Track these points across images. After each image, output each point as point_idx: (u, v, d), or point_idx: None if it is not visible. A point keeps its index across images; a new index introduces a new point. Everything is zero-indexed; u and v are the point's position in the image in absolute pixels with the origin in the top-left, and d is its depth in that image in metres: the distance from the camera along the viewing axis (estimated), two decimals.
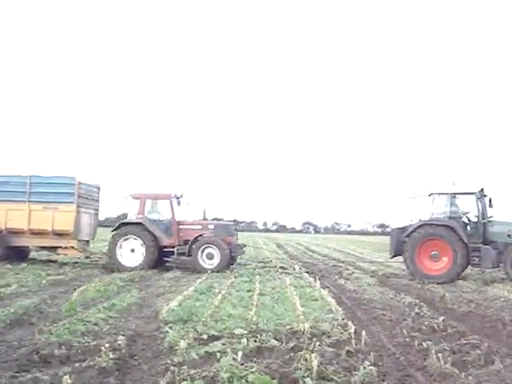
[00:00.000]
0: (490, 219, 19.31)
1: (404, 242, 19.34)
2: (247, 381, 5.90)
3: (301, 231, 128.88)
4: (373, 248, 43.76)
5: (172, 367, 6.50)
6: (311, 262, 28.07)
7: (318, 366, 6.40)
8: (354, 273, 20.84)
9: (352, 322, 9.64)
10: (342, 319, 10.03)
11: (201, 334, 8.46)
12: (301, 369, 6.42)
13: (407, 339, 8.79)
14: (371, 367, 6.62)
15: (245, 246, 24.52)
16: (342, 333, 8.79)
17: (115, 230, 21.19)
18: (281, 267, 22.40)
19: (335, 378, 6.29)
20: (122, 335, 8.18)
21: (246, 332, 8.67)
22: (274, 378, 6.04)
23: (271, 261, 26.65)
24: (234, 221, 23.80)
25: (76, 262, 22.56)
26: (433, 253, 18.88)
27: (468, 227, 19.51)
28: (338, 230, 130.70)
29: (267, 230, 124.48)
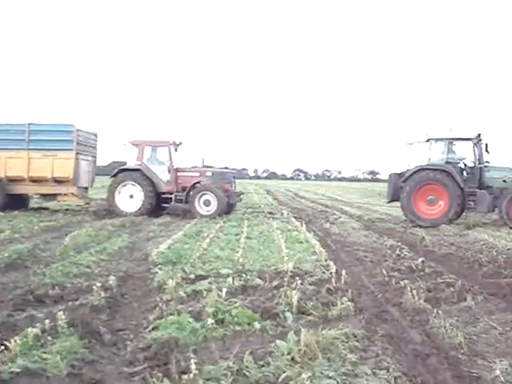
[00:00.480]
0: (486, 165, 19.68)
1: (401, 187, 19.73)
2: (231, 315, 6.29)
3: (291, 178, 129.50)
4: (361, 194, 44.29)
5: (160, 304, 6.89)
6: (299, 207, 28.47)
7: (298, 301, 6.80)
8: (340, 217, 21.26)
9: (334, 262, 10.06)
10: (325, 260, 10.43)
11: (188, 274, 8.86)
12: (282, 304, 6.82)
13: (386, 278, 9.20)
14: (349, 303, 7.01)
15: (242, 193, 24.73)
16: (323, 272, 9.21)
17: (114, 176, 21.40)
18: (269, 212, 22.83)
19: (314, 312, 6.70)
20: (113, 276, 8.51)
21: (231, 272, 9.06)
22: (256, 312, 6.44)
23: (260, 206, 27.07)
24: (225, 168, 23.85)
25: (67, 209, 22.87)
26: (429, 197, 19.35)
27: (464, 172, 19.90)
28: (328, 176, 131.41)
29: (258, 177, 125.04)
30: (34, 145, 21.33)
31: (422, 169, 19.51)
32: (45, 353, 5.02)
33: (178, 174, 21.48)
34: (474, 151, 19.78)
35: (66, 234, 13.87)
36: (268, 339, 5.72)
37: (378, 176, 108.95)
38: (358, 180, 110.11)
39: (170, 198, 21.23)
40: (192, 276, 8.74)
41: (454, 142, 20.12)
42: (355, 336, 5.81)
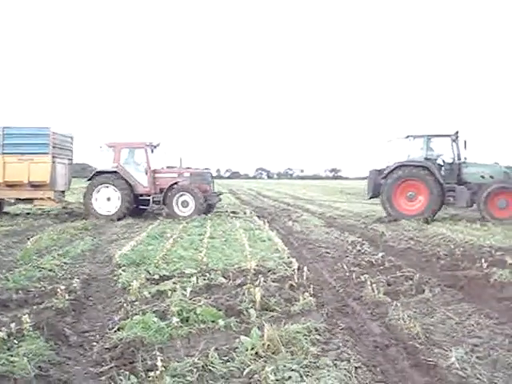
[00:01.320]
0: (464, 161, 19.89)
1: (381, 183, 19.96)
2: (196, 313, 6.41)
3: (254, 177, 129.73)
4: (323, 192, 44.70)
5: (125, 305, 6.97)
6: (262, 206, 28.64)
7: (262, 298, 6.95)
8: (302, 215, 21.49)
9: (297, 260, 10.26)
10: (288, 258, 10.63)
11: (152, 275, 8.95)
12: (245, 301, 6.97)
13: (347, 273, 9.43)
14: (310, 298, 7.19)
15: (221, 193, 24.46)
16: (286, 269, 9.38)
17: (90, 179, 21.11)
18: (232, 212, 22.90)
19: (277, 308, 6.86)
20: (77, 279, 8.54)
21: (195, 271, 9.17)
22: (220, 310, 6.57)
23: (223, 206, 27.15)
24: (205, 168, 23.61)
25: (28, 213, 22.58)
26: (409, 193, 19.60)
27: (443, 168, 20.16)
28: (290, 175, 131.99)
29: (220, 177, 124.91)
30: (8, 149, 20.78)
31: (401, 165, 19.72)
32: (11, 356, 5.05)
33: (156, 175, 21.25)
34: (453, 148, 20.05)
35: (28, 238, 13.76)
36: (232, 335, 5.86)
37: (339, 173, 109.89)
38: (320, 178, 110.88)
39: (148, 200, 21.06)
40: (156, 276, 8.83)
41: (433, 139, 20.37)
42: (317, 330, 5.96)
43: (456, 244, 12.82)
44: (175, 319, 6.02)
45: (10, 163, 20.73)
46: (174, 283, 8.19)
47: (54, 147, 21.18)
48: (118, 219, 19.90)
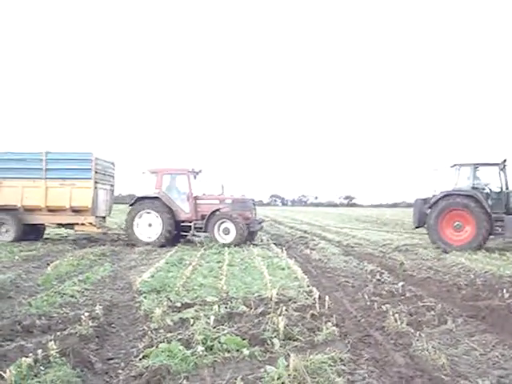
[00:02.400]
0: None
1: (426, 213, 19.52)
2: (220, 342, 6.43)
3: (268, 204, 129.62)
4: (339, 219, 44.60)
5: (149, 332, 7.01)
6: (278, 233, 28.56)
7: (285, 327, 6.97)
8: (319, 243, 21.40)
9: (317, 288, 10.25)
10: (308, 286, 10.62)
11: (174, 303, 8.97)
12: (269, 330, 6.98)
13: (368, 303, 9.40)
14: (333, 328, 7.21)
15: (263, 221, 24.03)
16: (307, 298, 9.38)
17: (132, 204, 21.09)
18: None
19: (300, 337, 6.87)
20: (100, 305, 8.59)
21: (217, 299, 9.20)
22: (244, 339, 6.59)
23: None
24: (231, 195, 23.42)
25: (47, 238, 22.71)
26: (456, 223, 19.04)
27: (491, 198, 19.52)
28: (305, 202, 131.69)
29: None
30: (51, 174, 20.84)
31: (448, 194, 19.28)
32: (39, 382, 5.12)
33: (197, 201, 21.11)
34: (500, 176, 19.54)
35: (48, 264, 13.86)
36: (257, 365, 5.87)
37: (354, 201, 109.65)
38: (335, 205, 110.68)
39: (190, 227, 20.88)
40: (178, 304, 8.85)
41: (480, 168, 19.85)
42: (342, 360, 5.97)
43: (476, 274, 12.75)
44: (200, 348, 6.05)
45: (53, 188, 20.78)
46: (196, 311, 8.22)
47: (96, 173, 21.14)
48: (160, 246, 19.77)
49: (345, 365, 5.85)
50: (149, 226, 20.56)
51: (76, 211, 21.06)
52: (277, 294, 9.40)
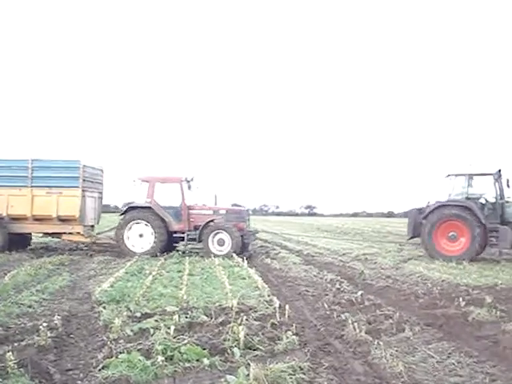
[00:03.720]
0: (507, 200, 19.26)
1: (421, 223, 19.49)
2: (180, 352, 6.42)
3: None
4: (300, 228, 44.82)
5: (108, 343, 6.95)
6: None
7: (245, 337, 6.99)
8: (280, 252, 21.48)
9: (277, 297, 10.30)
10: (268, 295, 10.68)
11: (134, 313, 8.92)
12: (229, 340, 6.99)
13: (327, 312, 9.50)
14: (293, 337, 7.27)
15: (257, 232, 23.46)
16: (267, 308, 9.42)
17: (123, 214, 20.59)
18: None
19: (260, 347, 6.90)
20: (58, 315, 8.47)
21: (177, 309, 9.15)
22: (204, 349, 6.59)
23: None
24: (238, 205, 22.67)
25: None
26: (450, 234, 18.97)
27: (486, 208, 19.42)
28: (265, 211, 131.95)
29: None
30: (37, 182, 20.34)
31: (442, 205, 19.30)
32: None
33: (191, 211, 20.53)
34: (495, 186, 19.36)
35: (5, 273, 13.59)
36: (218, 374, 5.88)
37: (314, 210, 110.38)
38: (296, 214, 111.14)
39: (182, 238, 20.36)
40: (138, 314, 8.80)
41: (474, 178, 19.77)
42: (301, 369, 6.01)
43: (433, 283, 12.99)
44: (160, 358, 6.02)
45: (39, 196, 20.24)
46: (156, 321, 8.17)
47: (84, 180, 20.70)
48: (153, 256, 19.10)
49: (304, 373, 5.89)
50: (140, 237, 20.05)
51: (63, 220, 20.58)
52: (237, 304, 9.41)
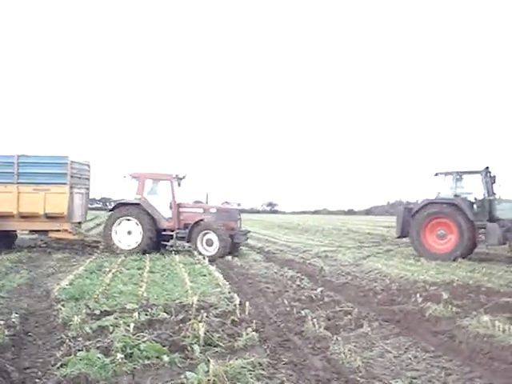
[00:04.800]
0: (496, 197, 19.26)
1: (410, 221, 19.52)
2: (139, 349, 6.41)
3: None
4: (261, 226, 44.89)
5: (67, 341, 6.89)
6: None
7: (205, 333, 7.02)
8: (241, 249, 21.50)
9: (238, 294, 10.37)
10: (229, 292, 10.72)
11: (93, 310, 8.85)
12: (189, 337, 7.01)
13: (287, 308, 9.59)
14: (253, 333, 7.33)
15: (249, 232, 22.71)
16: (228, 305, 9.47)
17: (112, 210, 20.04)
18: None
19: (220, 343, 6.95)
20: (16, 314, 8.36)
21: (137, 307, 9.12)
22: (164, 346, 6.60)
23: None
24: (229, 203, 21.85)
25: None
26: (439, 231, 19.08)
27: (474, 205, 19.38)
28: None
29: None
30: (23, 178, 19.55)
31: (430, 203, 19.32)
32: None
33: (181, 209, 19.94)
34: (483, 184, 19.36)
35: None
36: (177, 371, 5.90)
37: (276, 208, 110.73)
38: (258, 212, 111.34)
39: (171, 236, 19.88)
40: (97, 312, 8.74)
41: (463, 176, 19.91)
42: (261, 364, 6.08)
43: (391, 279, 13.23)
44: (119, 355, 5.99)
45: (25, 193, 19.54)
46: (115, 318, 8.13)
47: (71, 177, 20.09)
48: (143, 253, 18.67)
49: (264, 369, 5.96)
50: (128, 234, 19.54)
51: (51, 218, 19.90)
52: (198, 301, 9.43)
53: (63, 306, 9.35)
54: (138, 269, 14.60)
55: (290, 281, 13.00)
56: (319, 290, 11.31)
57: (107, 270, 14.01)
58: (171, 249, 20.32)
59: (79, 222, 22.06)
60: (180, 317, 8.34)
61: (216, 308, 9.16)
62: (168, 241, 20.32)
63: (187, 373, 5.60)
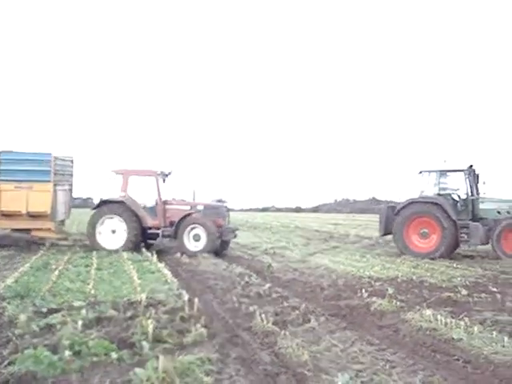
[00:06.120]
0: (479, 196, 19.09)
1: (393, 220, 19.41)
2: (88, 346, 6.38)
3: None
4: None
5: (14, 338, 6.81)
6: None
7: (154, 330, 7.04)
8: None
9: (186, 291, 10.38)
10: (177, 289, 10.73)
11: (40, 308, 8.74)
12: (138, 333, 7.02)
13: (236, 305, 9.69)
14: (202, 329, 7.38)
15: (237, 229, 22.04)
16: (176, 301, 9.47)
17: (95, 208, 19.44)
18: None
19: (169, 340, 6.97)
20: None
21: (84, 304, 9.05)
22: (112, 343, 6.59)
23: None
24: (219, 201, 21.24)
25: None
26: (422, 230, 18.97)
27: (458, 204, 19.31)
28: None
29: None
30: (5, 175, 18.84)
31: (413, 201, 19.21)
32: None
33: (166, 207, 19.45)
34: (466, 182, 19.24)
35: None
36: (126, 368, 5.90)
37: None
38: None
39: (157, 234, 19.26)
40: (44, 309, 8.64)
41: (447, 174, 19.74)
42: (210, 360, 6.14)
43: (338, 275, 13.48)
44: (67, 353, 5.98)
45: (7, 191, 18.78)
46: (62, 316, 8.05)
47: (55, 174, 19.45)
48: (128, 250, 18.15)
49: (213, 364, 6.03)
50: (112, 233, 18.97)
51: (33, 216, 19.17)
52: (146, 298, 9.41)
53: (9, 303, 9.19)
54: (85, 266, 14.45)
55: (239, 277, 13.08)
56: (267, 286, 11.45)
57: (53, 267, 13.83)
58: (157, 248, 19.91)
59: (62, 220, 21.53)
60: (128, 314, 8.31)
61: (164, 305, 9.16)
62: (155, 239, 19.75)
63: (136, 369, 5.61)
